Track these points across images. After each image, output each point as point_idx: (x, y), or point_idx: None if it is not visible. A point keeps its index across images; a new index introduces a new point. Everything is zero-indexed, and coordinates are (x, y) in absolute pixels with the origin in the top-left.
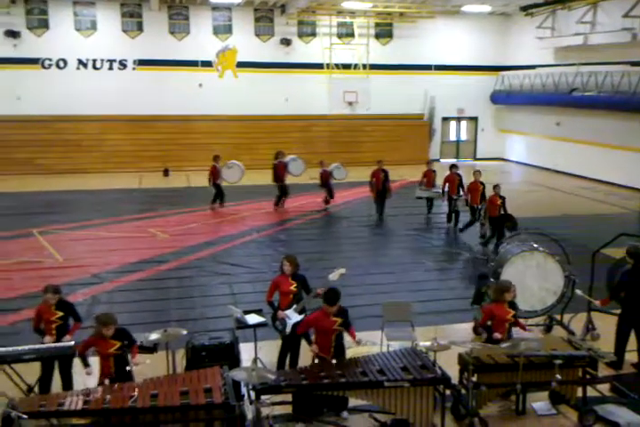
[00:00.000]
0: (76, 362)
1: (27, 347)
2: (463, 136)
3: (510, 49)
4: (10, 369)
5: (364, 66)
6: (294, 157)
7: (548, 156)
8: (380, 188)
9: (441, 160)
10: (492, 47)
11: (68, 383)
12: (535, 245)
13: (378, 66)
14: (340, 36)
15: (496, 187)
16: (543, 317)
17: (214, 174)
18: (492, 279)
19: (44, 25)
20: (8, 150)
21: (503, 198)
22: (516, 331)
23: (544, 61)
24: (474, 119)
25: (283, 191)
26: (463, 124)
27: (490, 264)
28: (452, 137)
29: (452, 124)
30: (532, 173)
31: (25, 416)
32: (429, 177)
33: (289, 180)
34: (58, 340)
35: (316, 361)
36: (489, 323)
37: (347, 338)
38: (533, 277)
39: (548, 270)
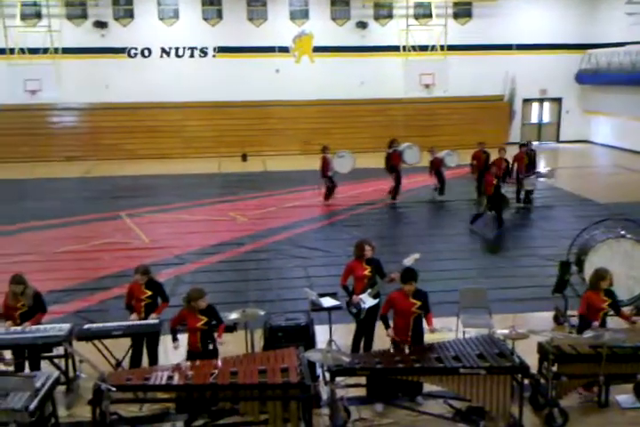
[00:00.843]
0: (162, 339)
1: (115, 323)
2: (546, 118)
3: (597, 26)
4: (100, 344)
5: (442, 47)
6: (409, 145)
7: (638, 138)
8: (482, 169)
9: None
10: (577, 24)
11: (153, 359)
12: (622, 232)
13: (456, 47)
14: (417, 17)
15: (492, 166)
16: (630, 307)
17: (325, 166)
18: (575, 267)
19: (130, 15)
20: (97, 136)
21: (498, 179)
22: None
23: (634, 38)
24: (557, 100)
25: (398, 181)
26: (546, 105)
27: (574, 251)
28: (534, 119)
29: (534, 105)
30: (620, 156)
31: (114, 389)
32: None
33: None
34: (145, 318)
35: (393, 346)
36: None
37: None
38: (620, 266)
39: (636, 258)
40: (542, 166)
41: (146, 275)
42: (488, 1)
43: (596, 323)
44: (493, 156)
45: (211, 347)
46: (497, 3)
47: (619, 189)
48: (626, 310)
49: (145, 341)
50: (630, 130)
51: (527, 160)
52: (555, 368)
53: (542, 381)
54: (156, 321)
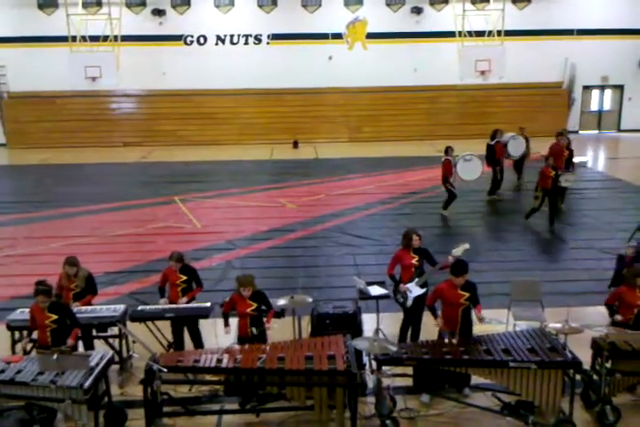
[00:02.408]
0: (214, 322)
1: (168, 306)
2: (606, 106)
3: None
4: (153, 326)
5: (499, 32)
6: (514, 135)
7: None
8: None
9: (580, 132)
10: None
11: (197, 342)
12: None
13: (513, 32)
14: (474, 1)
15: (548, 159)
16: None
17: (448, 171)
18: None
19: (187, 2)
20: (155, 122)
21: (556, 170)
22: None
23: None
24: (619, 87)
25: (501, 175)
26: (607, 92)
27: (632, 244)
28: (594, 107)
29: (595, 92)
30: None
31: (165, 370)
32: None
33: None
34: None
35: (439, 336)
36: (615, 305)
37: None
38: None
39: None
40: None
41: (180, 262)
42: None
43: (619, 316)
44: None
45: (260, 331)
46: None
47: None
48: None
49: (186, 325)
50: None
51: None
52: (609, 365)
53: (595, 377)
54: (208, 305)
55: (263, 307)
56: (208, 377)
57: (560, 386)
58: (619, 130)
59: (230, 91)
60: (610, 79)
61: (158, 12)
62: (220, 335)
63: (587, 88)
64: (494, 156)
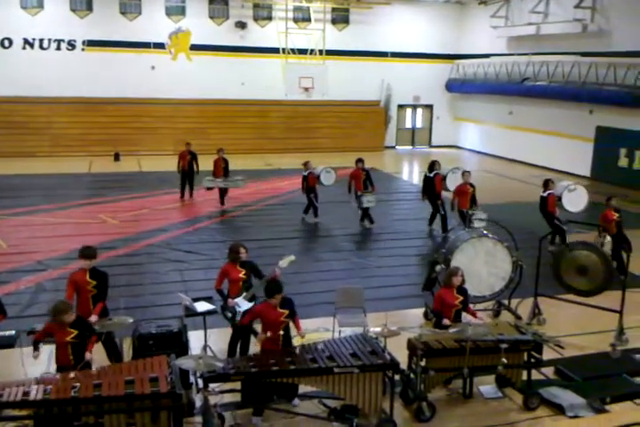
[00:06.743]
0: (20, 352)
1: None
2: (419, 124)
3: (465, 37)
4: None
5: (321, 51)
6: (453, 169)
7: (501, 144)
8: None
9: (397, 147)
10: (447, 35)
11: None
12: (484, 232)
13: (334, 52)
14: (296, 20)
15: (465, 173)
16: (492, 302)
17: (553, 206)
18: (442, 266)
19: None
20: None
21: (474, 187)
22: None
23: (498, 50)
24: (429, 107)
25: (444, 209)
26: (419, 111)
27: (441, 251)
28: (408, 124)
29: (408, 111)
30: (485, 160)
31: None
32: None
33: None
34: None
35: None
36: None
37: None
38: (482, 264)
39: (497, 257)
40: None
41: None
42: (364, 8)
43: (447, 320)
44: (346, 161)
45: (85, 359)
46: (372, 11)
47: (483, 192)
48: (487, 304)
49: None
50: (495, 136)
51: (364, 177)
52: (423, 363)
53: (412, 376)
54: (12, 333)
55: (86, 332)
56: (15, 412)
57: (381, 387)
58: (430, 145)
59: (42, 99)
60: (421, 99)
61: None
62: (28, 365)
63: (401, 107)
64: (434, 189)
